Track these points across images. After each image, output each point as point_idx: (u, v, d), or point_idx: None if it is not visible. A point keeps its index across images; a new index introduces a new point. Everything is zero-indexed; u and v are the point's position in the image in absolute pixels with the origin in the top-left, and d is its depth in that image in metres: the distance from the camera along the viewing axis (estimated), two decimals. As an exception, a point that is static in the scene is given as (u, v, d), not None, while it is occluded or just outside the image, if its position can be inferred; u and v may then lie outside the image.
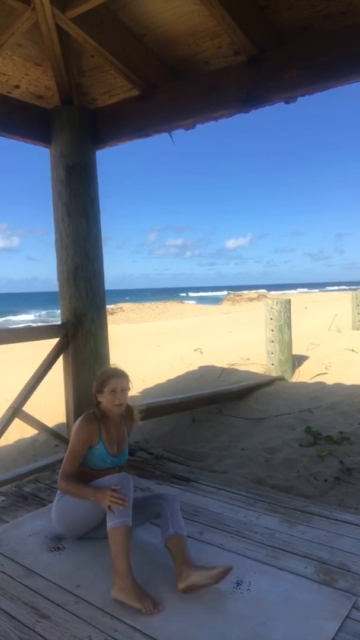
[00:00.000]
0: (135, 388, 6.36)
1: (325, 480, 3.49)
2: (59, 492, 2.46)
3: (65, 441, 3.49)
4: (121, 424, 2.60)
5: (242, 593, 2.04)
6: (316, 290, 65.80)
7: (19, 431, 4.85)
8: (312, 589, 2.08)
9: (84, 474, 2.42)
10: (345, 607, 1.95)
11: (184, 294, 79.18)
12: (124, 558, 2.05)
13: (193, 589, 2.02)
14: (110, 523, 2.11)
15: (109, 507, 2.14)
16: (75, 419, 3.49)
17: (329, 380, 6.05)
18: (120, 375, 2.49)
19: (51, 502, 2.49)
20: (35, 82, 3.36)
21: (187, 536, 2.22)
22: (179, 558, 2.11)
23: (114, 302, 33.89)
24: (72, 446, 2.43)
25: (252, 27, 2.70)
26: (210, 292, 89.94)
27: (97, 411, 2.53)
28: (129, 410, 2.62)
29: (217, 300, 44.89)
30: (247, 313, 20.22)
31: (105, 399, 2.47)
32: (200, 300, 54.87)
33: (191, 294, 79.21)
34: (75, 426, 2.49)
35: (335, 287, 74.78)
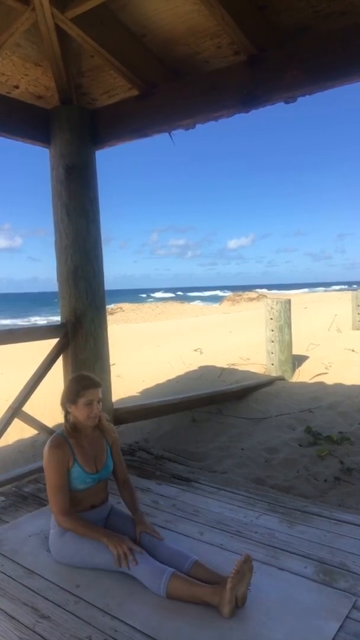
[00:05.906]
0: (135, 388, 6.38)
1: (325, 480, 3.49)
2: (57, 526, 2.28)
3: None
4: (96, 436, 2.41)
5: (242, 593, 2.03)
6: (316, 290, 65.78)
7: (18, 431, 4.86)
8: (312, 589, 2.08)
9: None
10: (345, 607, 1.95)
11: (184, 294, 79.18)
12: (201, 589, 1.94)
13: (245, 595, 1.95)
14: (160, 587, 1.96)
15: (117, 556, 2.06)
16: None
17: (329, 380, 6.05)
18: (97, 385, 2.29)
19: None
20: (34, 82, 3.36)
21: (187, 536, 2.21)
22: (213, 577, 2.02)
23: (115, 302, 33.89)
24: (51, 481, 2.23)
25: (252, 27, 2.70)
26: (210, 292, 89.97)
27: (66, 427, 2.32)
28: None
29: (217, 300, 44.89)
30: (247, 313, 20.22)
31: (79, 412, 2.27)
32: (200, 300, 54.85)
33: (191, 294, 79.20)
34: (44, 457, 2.26)
35: (336, 287, 74.74)
